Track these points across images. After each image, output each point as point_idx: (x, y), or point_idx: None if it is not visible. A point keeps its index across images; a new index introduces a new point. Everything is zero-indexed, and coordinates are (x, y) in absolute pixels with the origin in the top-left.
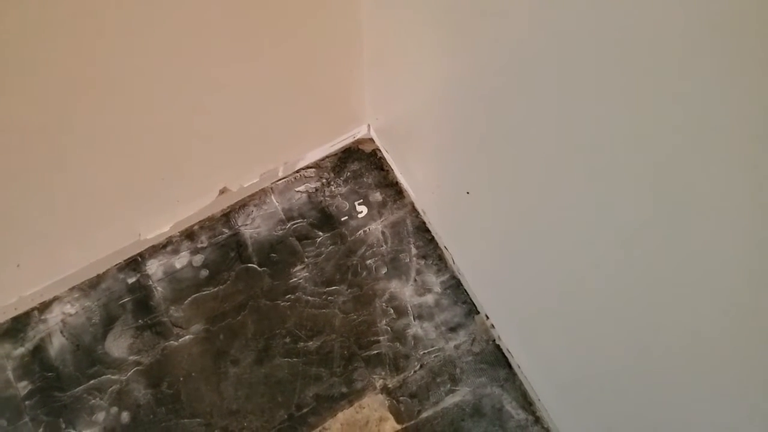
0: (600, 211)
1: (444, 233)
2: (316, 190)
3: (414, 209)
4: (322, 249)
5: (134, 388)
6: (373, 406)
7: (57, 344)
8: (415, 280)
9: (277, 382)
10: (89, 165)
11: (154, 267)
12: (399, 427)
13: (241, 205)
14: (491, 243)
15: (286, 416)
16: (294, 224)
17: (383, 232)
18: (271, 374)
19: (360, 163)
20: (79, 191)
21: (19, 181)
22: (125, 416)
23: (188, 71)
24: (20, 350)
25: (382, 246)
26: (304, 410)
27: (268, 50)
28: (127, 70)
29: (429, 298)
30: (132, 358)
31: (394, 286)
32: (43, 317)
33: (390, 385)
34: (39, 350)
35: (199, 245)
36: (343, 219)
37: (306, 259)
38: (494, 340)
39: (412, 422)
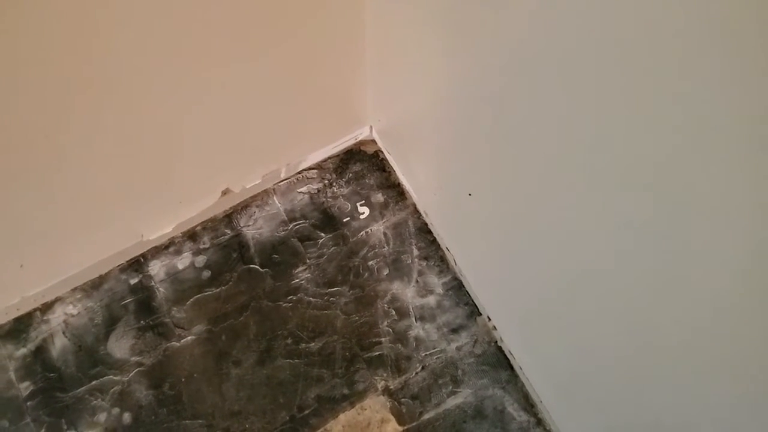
0: (601, 212)
1: (446, 234)
2: (318, 191)
3: (416, 210)
4: (324, 250)
5: (136, 389)
6: (374, 408)
7: (59, 345)
8: (417, 282)
9: (278, 384)
10: (91, 165)
11: (157, 268)
12: (400, 428)
13: (244, 206)
14: (493, 244)
15: (287, 417)
16: (296, 225)
17: (385, 234)
18: (273, 375)
19: (362, 164)
20: (81, 192)
21: (22, 181)
22: (127, 417)
23: (190, 71)
24: (22, 351)
25: (383, 247)
26: (306, 411)
27: (270, 51)
28: (128, 70)
29: (431, 300)
30: (134, 358)
31: (396, 287)
32: (45, 318)
33: (392, 387)
34: (41, 351)
35: (202, 246)
36: (345, 220)
37: (308, 260)
38: (496, 342)
39: (414, 424)
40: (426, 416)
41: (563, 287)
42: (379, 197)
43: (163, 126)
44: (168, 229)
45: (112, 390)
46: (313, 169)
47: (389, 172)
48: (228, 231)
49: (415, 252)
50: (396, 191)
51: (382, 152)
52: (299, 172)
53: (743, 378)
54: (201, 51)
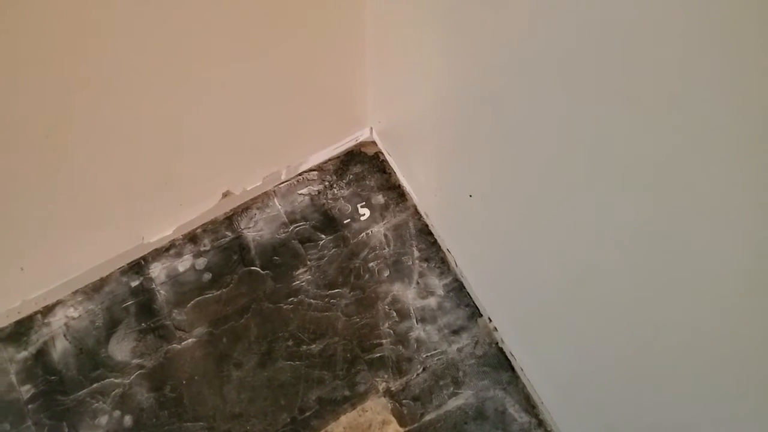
0: (602, 212)
1: (446, 236)
2: (319, 192)
3: (416, 212)
4: (325, 252)
5: (137, 391)
6: (375, 409)
7: (60, 348)
8: (418, 283)
9: (279, 386)
10: (91, 167)
11: (157, 270)
12: (402, 430)
13: (244, 209)
14: (494, 245)
15: (289, 419)
16: (297, 227)
17: (386, 235)
18: (274, 377)
19: (362, 165)
20: (81, 194)
21: (23, 184)
22: (128, 420)
23: (190, 72)
24: (23, 354)
25: (384, 249)
26: (307, 413)
27: (270, 51)
28: (128, 71)
29: (432, 301)
30: (135, 361)
31: (397, 289)
32: (46, 321)
33: (393, 388)
34: (42, 354)
35: (202, 248)
36: (345, 222)
37: (309, 262)
38: (497, 343)
39: (415, 425)
40: (427, 417)
41: (564, 288)
42: (379, 199)
43: (163, 127)
44: (168, 232)
45: (113, 393)
46: (313, 170)
47: (390, 173)
48: (228, 233)
49: (416, 253)
50: (396, 193)
51: (382, 154)
52: (300, 174)
53: (743, 378)
54: (201, 51)
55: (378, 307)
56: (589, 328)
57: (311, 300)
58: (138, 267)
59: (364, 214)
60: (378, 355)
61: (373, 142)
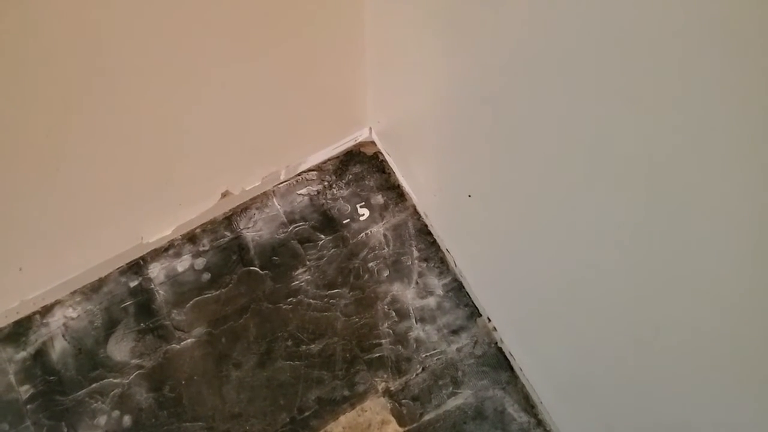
0: (601, 212)
1: (446, 236)
2: (318, 193)
3: (416, 212)
4: (324, 252)
5: (136, 391)
6: (375, 409)
7: (59, 348)
8: (417, 283)
9: (279, 386)
10: (91, 167)
11: (156, 270)
12: (401, 430)
13: (243, 209)
14: (493, 245)
15: (288, 419)
16: (296, 227)
17: (385, 235)
18: (273, 377)
19: (362, 166)
20: (80, 195)
21: (21, 184)
22: (127, 420)
23: (189, 72)
24: (22, 354)
25: (383, 249)
26: (306, 413)
27: (269, 51)
28: (128, 71)
29: (431, 301)
30: (134, 361)
31: (396, 289)
32: (45, 321)
33: (392, 388)
34: (41, 354)
35: (201, 248)
36: (344, 222)
37: (308, 262)
38: (496, 343)
39: (414, 425)
40: (426, 417)
41: (563, 288)
42: (378, 199)
43: (163, 127)
44: (167, 232)
45: (112, 393)
46: (312, 170)
47: (389, 173)
48: (227, 233)
49: (415, 253)
50: (396, 193)
51: (381, 154)
52: (299, 174)
53: (744, 379)
54: (200, 51)
55: (377, 307)
56: (588, 328)
57: (310, 300)
58: (137, 267)
59: (363, 214)
60: (377, 355)
61: (373, 142)
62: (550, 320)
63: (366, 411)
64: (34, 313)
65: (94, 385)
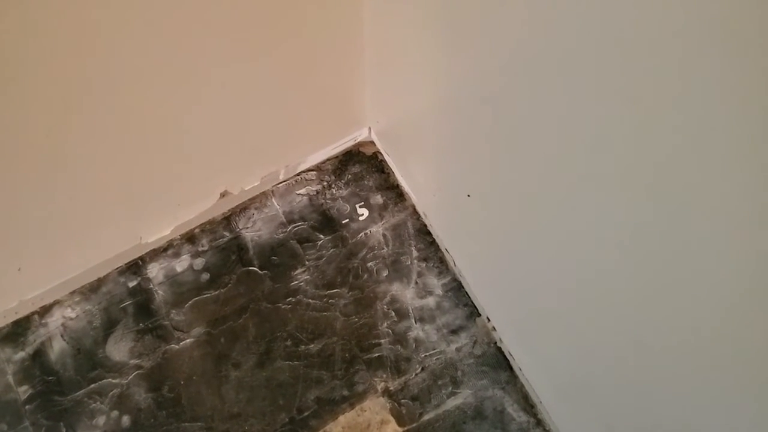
0: (600, 212)
1: (445, 236)
2: (317, 192)
3: (415, 212)
4: (323, 252)
5: (135, 391)
6: (374, 409)
7: (57, 348)
8: (417, 283)
9: (278, 385)
10: (90, 168)
11: (155, 270)
12: (400, 429)
13: (242, 209)
14: (492, 245)
15: (287, 419)
16: (295, 227)
17: (384, 235)
18: (273, 377)
19: (361, 165)
20: (79, 195)
21: (20, 184)
22: (126, 420)
23: (188, 72)
24: (21, 354)
25: (383, 249)
26: (306, 413)
27: (268, 52)
28: (127, 71)
29: (430, 301)
30: (133, 361)
31: (396, 288)
32: (43, 321)
33: (391, 388)
34: (39, 354)
35: (200, 248)
36: (344, 222)
37: (307, 262)
38: (495, 343)
39: (414, 425)
40: (426, 417)
41: (563, 288)
42: (378, 199)
43: (162, 127)
44: (166, 232)
45: (111, 393)
46: (311, 170)
47: (388, 173)
48: (226, 233)
49: (415, 253)
50: (395, 193)
51: (381, 154)
52: (298, 174)
53: (744, 379)
54: (200, 51)
55: (376, 307)
56: (588, 328)
57: (310, 300)
58: (136, 267)
59: (362, 214)
60: (376, 354)
61: (372, 142)
62: (549, 320)
63: (365, 411)
64: (33, 314)
65: (92, 386)
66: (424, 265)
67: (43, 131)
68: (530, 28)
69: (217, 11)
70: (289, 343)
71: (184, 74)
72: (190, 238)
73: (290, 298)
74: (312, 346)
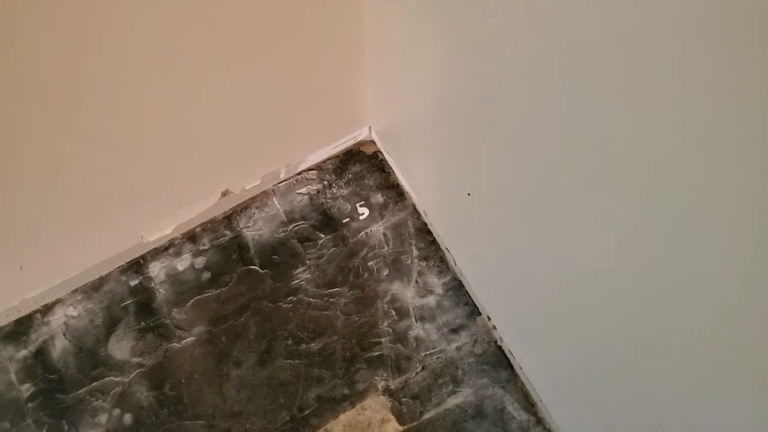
0: (601, 212)
1: (445, 235)
2: (318, 192)
3: (415, 211)
4: (324, 251)
5: (137, 390)
6: (375, 408)
7: (60, 346)
8: (417, 282)
9: (279, 384)
10: (91, 166)
11: (157, 269)
12: (401, 428)
13: (243, 208)
14: (492, 244)
15: (288, 418)
16: (296, 226)
17: (385, 234)
18: (274, 376)
19: (361, 165)
20: (81, 193)
21: (22, 183)
22: (128, 418)
23: (189, 72)
24: (23, 352)
25: (383, 248)
26: (306, 412)
27: (269, 52)
28: (128, 71)
29: (431, 300)
30: (134, 360)
31: (396, 287)
32: (45, 319)
33: (392, 387)
34: (42, 352)
35: (201, 247)
36: (344, 221)
37: (308, 261)
38: (496, 342)
39: (414, 423)
40: (426, 416)
41: (563, 287)
42: (378, 198)
43: (163, 126)
44: (168, 231)
45: (112, 391)
46: (312, 170)
47: (388, 172)
48: (228, 232)
49: (415, 252)
50: (395, 192)
51: (381, 153)
52: (299, 173)
53: (744, 379)
54: (200, 52)
55: (377, 306)
56: (588, 328)
57: (310, 299)
58: (137, 266)
59: (363, 213)
60: (377, 353)
61: (372, 142)
62: (549, 319)
63: (366, 409)
64: (35, 312)
65: (94, 384)
66: (424, 264)
67: (44, 130)
68: (530, 28)
69: (218, 11)
70: (290, 341)
71: (184, 74)
72: (191, 237)
73: (291, 297)
74: (313, 344)
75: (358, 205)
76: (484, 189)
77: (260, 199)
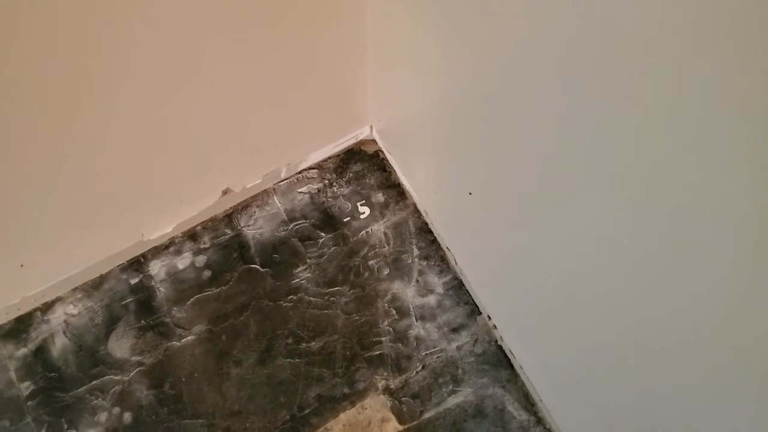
0: (601, 212)
1: (446, 234)
2: (319, 191)
3: (416, 210)
4: (325, 250)
5: (136, 388)
6: (375, 407)
7: (59, 345)
8: (417, 281)
9: (279, 383)
10: (92, 165)
11: (157, 268)
12: (401, 427)
13: (244, 206)
14: (493, 244)
15: (288, 417)
16: (296, 225)
17: (385, 233)
18: (274, 375)
19: (362, 164)
20: (81, 191)
21: (22, 182)
22: (127, 417)
23: (190, 71)
24: (23, 351)
25: (384, 247)
26: (307, 411)
27: (270, 51)
28: (129, 70)
29: (431, 299)
30: (134, 358)
31: (397, 287)
32: (45, 318)
33: (392, 386)
34: (42, 351)
35: (202, 246)
36: (345, 220)
37: (308, 260)
38: (496, 341)
39: (414, 423)
40: (426, 415)
41: (563, 287)
42: (379, 197)
43: (164, 126)
44: (168, 229)
45: (112, 390)
46: (313, 168)
47: (389, 171)
48: (228, 231)
49: (416, 251)
50: (396, 191)
51: (382, 152)
52: (299, 172)
53: (744, 379)
54: (201, 51)
55: (377, 305)
56: (588, 328)
57: (311, 298)
58: (137, 264)
59: (363, 213)
60: (377, 352)
61: (373, 141)
62: (550, 319)
63: (366, 409)
64: (35, 310)
65: (94, 382)
66: (425, 263)
67: (44, 129)
68: (530, 28)
69: (218, 11)
70: (290, 340)
71: (185, 73)
72: (191, 235)
73: (291, 296)
74: (313, 343)
75: (358, 204)
76: (486, 188)
77: (261, 197)
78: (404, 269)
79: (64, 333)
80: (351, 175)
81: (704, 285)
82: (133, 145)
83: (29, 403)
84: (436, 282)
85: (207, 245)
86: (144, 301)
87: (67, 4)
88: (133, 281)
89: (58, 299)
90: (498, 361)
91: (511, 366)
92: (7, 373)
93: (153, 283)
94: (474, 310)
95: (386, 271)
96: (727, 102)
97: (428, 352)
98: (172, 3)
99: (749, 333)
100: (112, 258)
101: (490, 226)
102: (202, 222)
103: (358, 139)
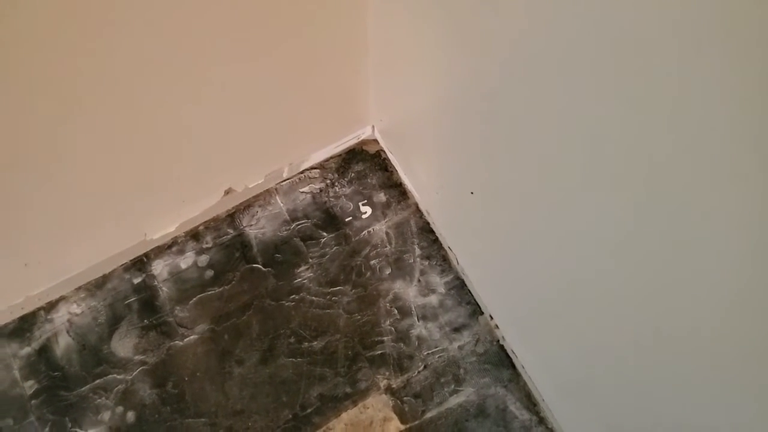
0: (602, 212)
1: (448, 234)
2: (321, 190)
3: (418, 210)
4: (327, 249)
5: (139, 387)
6: (377, 407)
7: (63, 344)
8: (419, 281)
9: (281, 382)
10: (95, 164)
11: (160, 267)
12: (403, 427)
13: (246, 206)
14: (495, 244)
15: (290, 416)
16: (298, 225)
17: (387, 233)
18: (276, 374)
19: (364, 164)
20: (85, 191)
21: (26, 181)
22: (130, 416)
23: (192, 71)
24: (27, 350)
25: (386, 247)
26: (309, 410)
27: (272, 51)
28: (131, 70)
29: (433, 299)
30: (137, 357)
31: (398, 286)
32: (49, 317)
33: (394, 386)
34: (45, 350)
35: (204, 245)
36: (347, 220)
37: (310, 260)
38: (498, 341)
39: (416, 422)
40: (428, 415)
41: (564, 286)
42: (381, 197)
43: (166, 126)
44: (171, 229)
45: (115, 389)
46: (315, 168)
47: (391, 171)
48: (231, 230)
49: (417, 251)
50: (398, 191)
51: (384, 152)
52: (301, 172)
53: (744, 379)
54: (203, 51)
55: (379, 305)
56: (589, 328)
57: (313, 297)
58: (140, 264)
59: (365, 212)
60: (379, 352)
61: (375, 140)
62: (550, 319)
63: (368, 408)
64: (39, 309)
65: (97, 381)
66: (426, 263)
67: (47, 129)
68: (531, 28)
69: (220, 11)
70: (292, 340)
71: (186, 73)
72: (194, 235)
73: (293, 296)
74: (315, 343)
75: (360, 203)
76: (487, 188)
77: (263, 197)
78: (406, 269)
79: (68, 332)
80: (353, 174)
81: (704, 285)
82: (136, 146)
83: (33, 401)
84: (438, 282)
85: (209, 245)
86: (147, 301)
87: (68, 4)
88: (136, 281)
89: (62, 298)
90: (500, 360)
91: (513, 366)
92: (10, 372)
93: (156, 283)
94: (476, 310)
95: (388, 271)
96: (727, 102)
97: (430, 351)
98: (172, 3)
99: (749, 333)
100: (115, 257)
101: (491, 225)
102: (205, 222)
103: (359, 139)
